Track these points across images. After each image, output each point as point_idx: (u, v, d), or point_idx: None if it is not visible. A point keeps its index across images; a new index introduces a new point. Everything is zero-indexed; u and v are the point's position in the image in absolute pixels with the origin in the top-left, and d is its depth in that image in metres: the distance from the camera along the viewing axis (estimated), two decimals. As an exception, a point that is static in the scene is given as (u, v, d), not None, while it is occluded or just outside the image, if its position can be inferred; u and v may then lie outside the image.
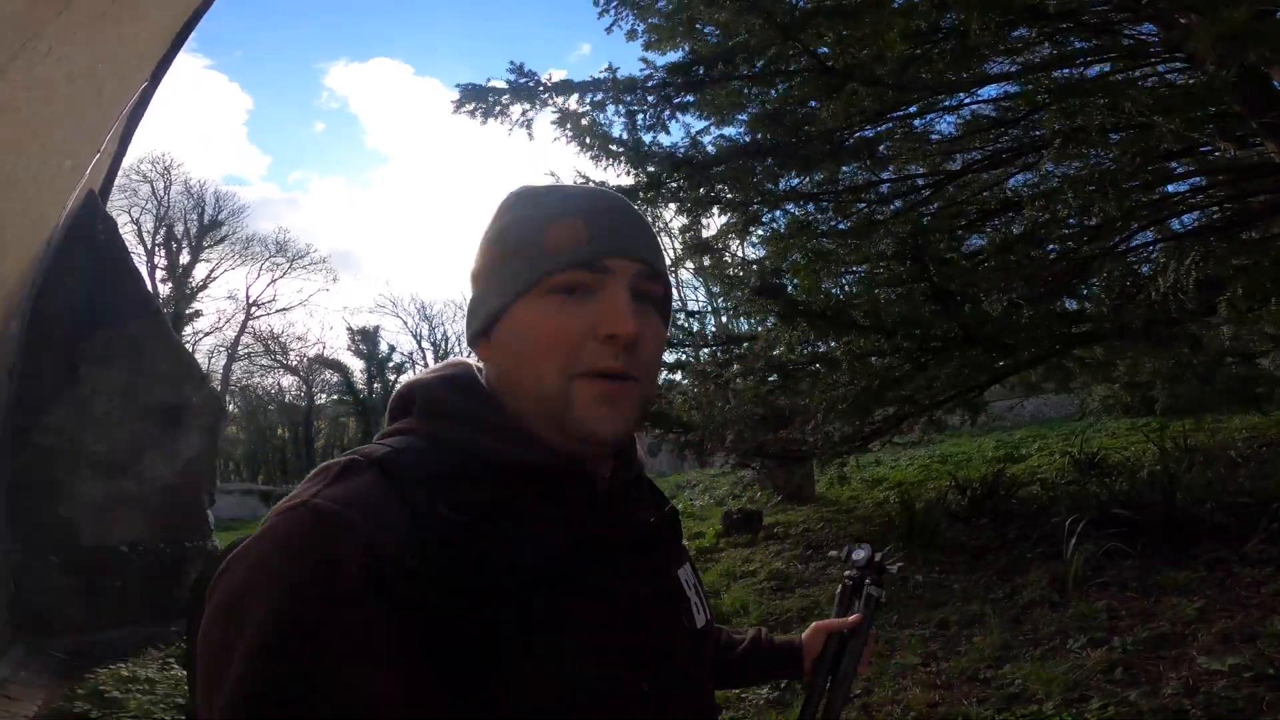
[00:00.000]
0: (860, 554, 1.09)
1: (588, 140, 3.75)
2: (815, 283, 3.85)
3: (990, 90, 5.08)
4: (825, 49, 3.61)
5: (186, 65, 50.56)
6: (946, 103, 4.74)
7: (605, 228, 0.67)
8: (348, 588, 0.52)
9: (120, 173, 8.17)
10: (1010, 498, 6.72)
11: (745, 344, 5.35)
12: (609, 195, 0.72)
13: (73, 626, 5.47)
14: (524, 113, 3.64)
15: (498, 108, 3.58)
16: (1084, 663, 3.07)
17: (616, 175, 3.93)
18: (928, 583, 4.87)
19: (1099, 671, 2.97)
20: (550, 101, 3.62)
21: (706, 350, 6.10)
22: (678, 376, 6.30)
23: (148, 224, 29.09)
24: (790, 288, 3.97)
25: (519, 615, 0.57)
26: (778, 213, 5.91)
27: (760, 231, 6.35)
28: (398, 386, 0.75)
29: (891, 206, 5.98)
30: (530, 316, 0.65)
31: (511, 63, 3.39)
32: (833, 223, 5.99)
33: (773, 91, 4.07)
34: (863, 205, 6.02)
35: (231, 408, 29.42)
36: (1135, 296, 3.55)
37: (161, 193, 29.54)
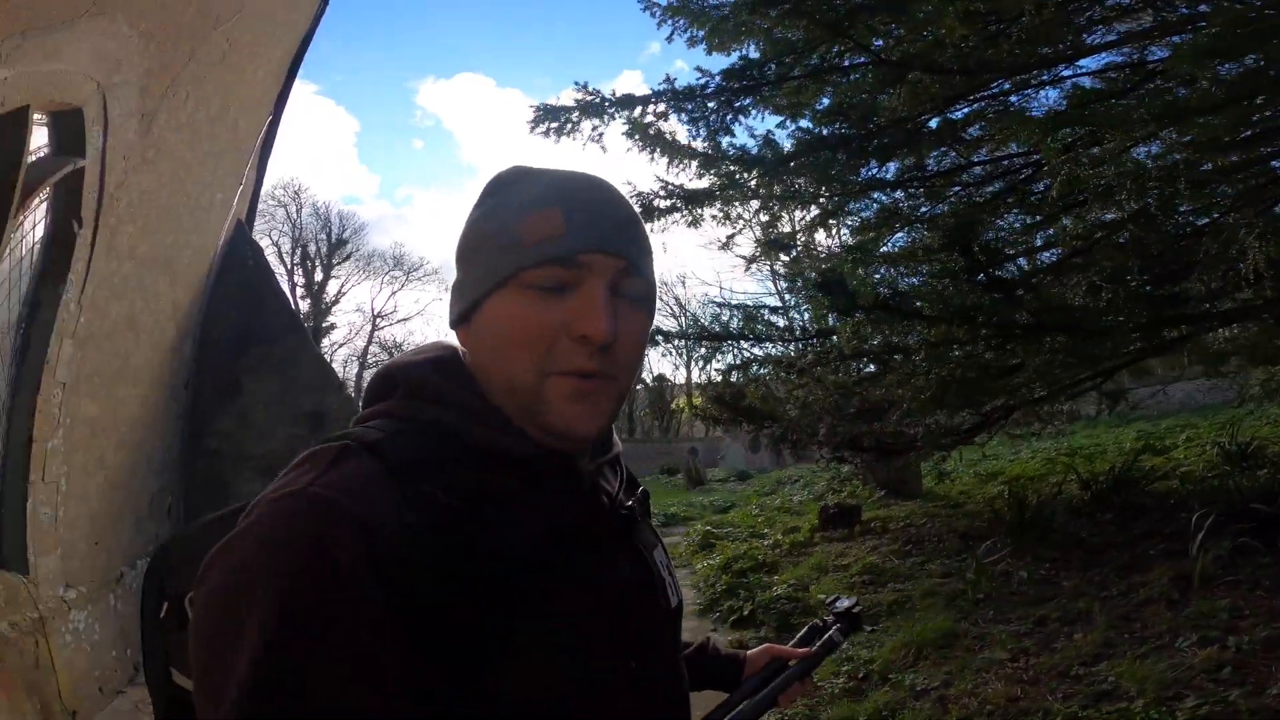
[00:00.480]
0: (843, 603, 1.12)
1: (659, 149, 3.92)
2: (860, 278, 3.81)
3: (1090, 62, 4.74)
4: (880, 41, 3.57)
5: (298, 92, 55.73)
6: (1042, 77, 4.47)
7: (584, 221, 0.65)
8: (348, 576, 0.52)
9: (259, 199, 9.25)
10: (1143, 491, 6.22)
11: (832, 337, 5.33)
12: (592, 184, 0.69)
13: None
14: (594, 128, 3.85)
15: (569, 125, 3.81)
16: (1189, 662, 2.88)
17: (689, 179, 4.09)
18: (1033, 579, 4.65)
19: (1203, 671, 2.78)
20: (616, 115, 3.82)
21: (796, 344, 6.09)
22: (766, 371, 6.33)
23: (285, 245, 32.32)
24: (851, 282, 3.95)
25: (509, 601, 0.58)
26: (864, 202, 5.83)
27: (849, 221, 6.28)
28: (378, 368, 0.74)
29: (991, 188, 5.71)
30: (505, 311, 0.64)
31: (576, 82, 3.61)
32: (923, 209, 5.81)
33: (831, 87, 4.05)
34: (958, 188, 5.80)
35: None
36: (1231, 275, 3.25)
37: (294, 215, 32.77)
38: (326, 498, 0.54)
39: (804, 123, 4.25)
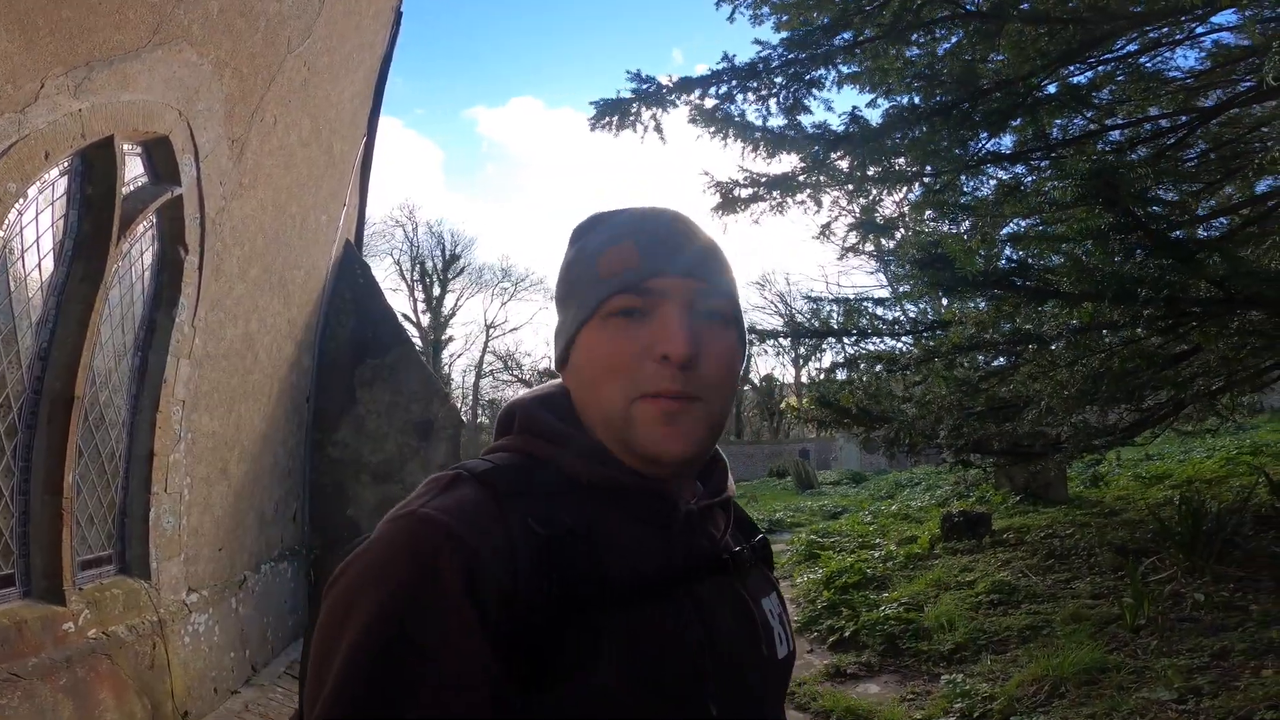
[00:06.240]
0: None
1: (730, 133, 3.63)
2: (961, 250, 3.29)
3: (1228, 16, 4.04)
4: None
5: (390, 126, 60.22)
6: (1177, 36, 3.82)
7: (655, 248, 0.68)
8: (447, 592, 0.55)
9: (378, 220, 9.79)
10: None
11: (943, 329, 4.80)
12: (663, 215, 0.73)
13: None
14: (652, 116, 3.61)
15: (630, 116, 3.59)
16: None
17: (768, 163, 3.75)
18: (1212, 603, 3.93)
19: None
20: (676, 101, 3.57)
21: (904, 339, 5.59)
22: (876, 368, 5.85)
23: (406, 263, 34.48)
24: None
25: (594, 630, 0.59)
26: (980, 179, 5.26)
27: (963, 200, 5.72)
28: (504, 405, 0.80)
29: (1133, 156, 5.01)
30: (592, 343, 0.68)
31: (628, 71, 3.40)
32: (1054, 182, 5.17)
33: (916, 49, 3.59)
34: (1095, 159, 5.13)
35: (482, 418, 33.58)
36: None
37: (411, 234, 34.91)
38: (434, 519, 0.59)
39: (897, 97, 3.81)
